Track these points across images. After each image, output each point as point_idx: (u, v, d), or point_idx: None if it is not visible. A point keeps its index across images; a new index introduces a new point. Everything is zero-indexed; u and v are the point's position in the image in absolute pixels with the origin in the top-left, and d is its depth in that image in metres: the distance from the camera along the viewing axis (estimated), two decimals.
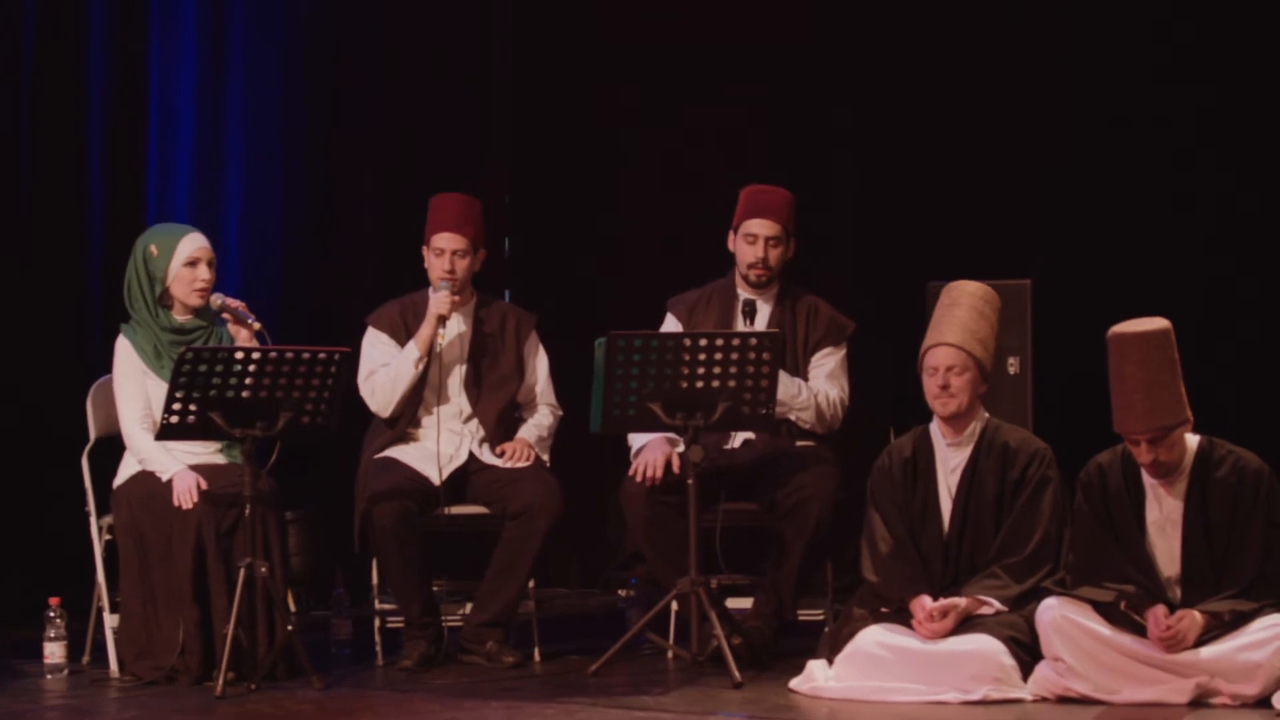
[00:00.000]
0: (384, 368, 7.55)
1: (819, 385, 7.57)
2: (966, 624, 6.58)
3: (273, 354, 6.94)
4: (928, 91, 9.10)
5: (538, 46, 9.74)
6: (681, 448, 7.26)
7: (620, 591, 9.13)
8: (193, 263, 7.27)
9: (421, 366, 7.52)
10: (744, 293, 7.63)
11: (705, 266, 7.80)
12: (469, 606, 7.58)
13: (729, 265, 7.69)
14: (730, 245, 7.65)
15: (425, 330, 7.51)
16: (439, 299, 7.49)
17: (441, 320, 7.49)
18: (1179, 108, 8.75)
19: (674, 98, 9.44)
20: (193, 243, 7.30)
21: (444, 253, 7.56)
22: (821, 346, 7.63)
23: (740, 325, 7.52)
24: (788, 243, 7.60)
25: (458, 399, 7.61)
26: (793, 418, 7.49)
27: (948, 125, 9.06)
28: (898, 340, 8.39)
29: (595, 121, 9.58)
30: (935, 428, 6.86)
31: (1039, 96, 9.00)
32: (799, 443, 7.55)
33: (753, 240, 7.57)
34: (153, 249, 7.28)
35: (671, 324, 7.70)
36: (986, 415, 6.85)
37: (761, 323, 7.59)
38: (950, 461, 6.81)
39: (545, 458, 7.64)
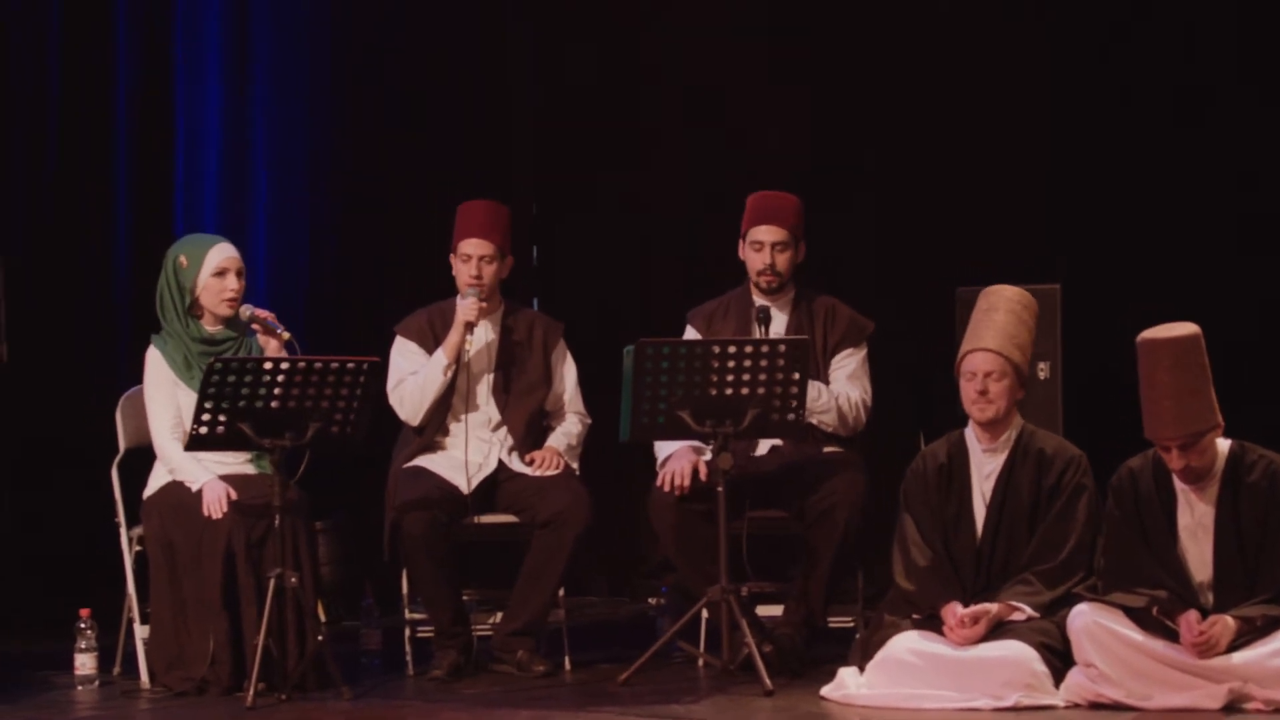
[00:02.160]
0: (412, 376, 7.56)
1: (840, 387, 7.56)
2: (998, 630, 6.57)
3: (301, 364, 6.96)
4: (953, 95, 9.10)
5: (561, 53, 9.75)
6: (708, 455, 7.28)
7: (650, 600, 9.17)
8: (221, 272, 7.30)
9: (450, 374, 7.52)
10: (758, 299, 7.64)
11: (733, 273, 7.80)
12: (499, 615, 7.59)
13: (745, 272, 7.70)
14: (740, 254, 7.67)
15: (453, 337, 7.51)
16: (466, 306, 7.51)
17: (469, 327, 7.48)
18: (1213, 110, 8.76)
19: (699, 104, 9.46)
20: (221, 252, 7.33)
21: (471, 259, 7.57)
22: (841, 348, 7.63)
23: (756, 333, 7.51)
24: (796, 247, 7.61)
25: (486, 407, 7.62)
26: (814, 421, 7.47)
27: (974, 129, 9.06)
28: (926, 346, 8.41)
29: (621, 127, 9.58)
30: (970, 433, 6.85)
31: (1068, 100, 9.00)
32: (826, 448, 7.55)
33: (759, 247, 7.59)
34: (182, 259, 7.31)
35: (691, 335, 7.68)
36: (1022, 421, 6.84)
37: (778, 329, 7.59)
38: (985, 467, 6.81)
39: (574, 466, 7.64)
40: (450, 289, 7.67)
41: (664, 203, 9.55)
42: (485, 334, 7.65)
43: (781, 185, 7.73)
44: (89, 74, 8.81)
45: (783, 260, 7.60)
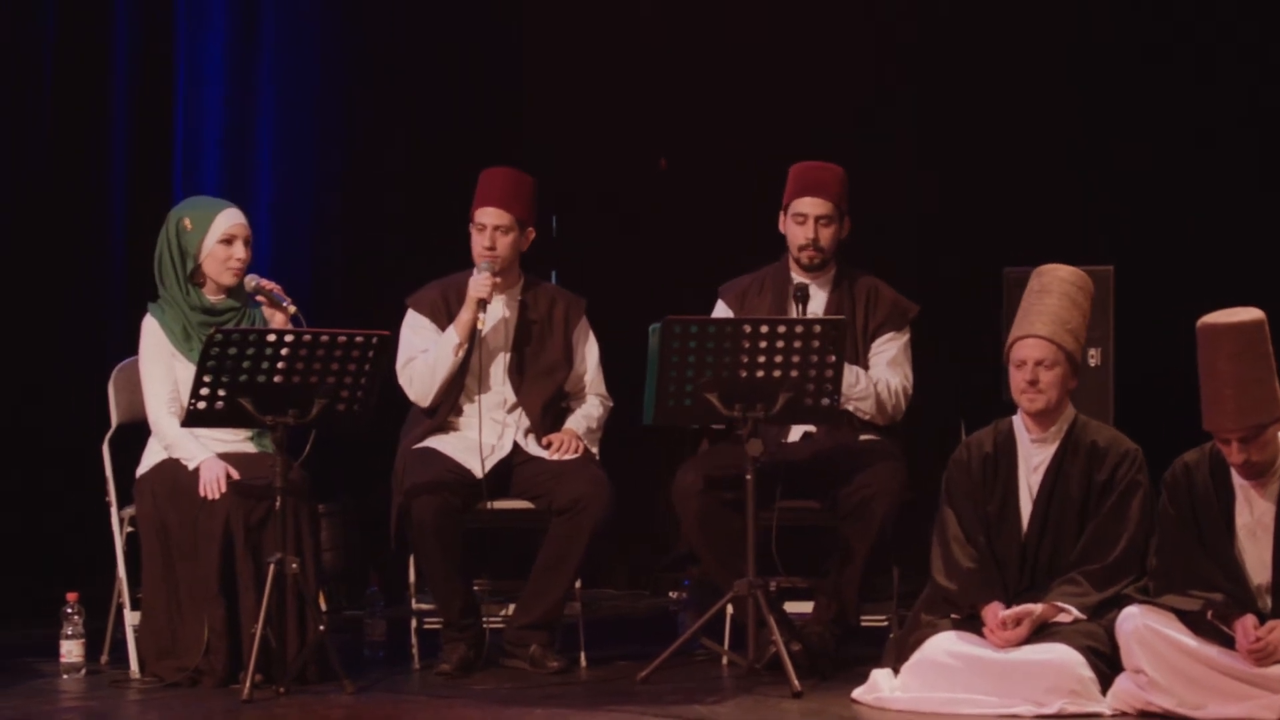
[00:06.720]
0: (423, 354, 7.57)
1: (879, 373, 7.59)
2: (1042, 632, 6.58)
3: (307, 337, 6.96)
4: (999, 71, 9.10)
5: (585, 11, 9.74)
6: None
7: (672, 593, 9.19)
8: (229, 240, 7.30)
9: (461, 354, 7.53)
10: (797, 276, 7.66)
11: (764, 247, 7.82)
12: (511, 607, 7.60)
13: (785, 246, 7.71)
14: (781, 227, 7.68)
15: (465, 314, 7.52)
16: (478, 281, 7.50)
17: (481, 304, 7.49)
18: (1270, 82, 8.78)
19: (730, 71, 9.46)
20: (230, 219, 7.33)
21: (485, 229, 7.57)
22: (883, 332, 7.66)
23: (793, 312, 7.53)
24: (841, 221, 7.63)
25: (501, 387, 7.63)
26: (851, 408, 7.49)
27: (1021, 104, 9.06)
28: (971, 328, 8.43)
29: (647, 94, 9.57)
30: (1019, 422, 6.84)
31: (1115, 74, 9.01)
32: (863, 436, 7.57)
33: (802, 220, 7.60)
34: (186, 222, 7.31)
35: (722, 312, 7.71)
36: (1074, 412, 6.83)
37: (817, 308, 7.61)
38: (1033, 459, 6.80)
39: (594, 450, 7.64)
40: (467, 260, 7.66)
41: (695, 170, 9.53)
42: (501, 310, 7.66)
43: (819, 153, 7.74)
44: (85, 23, 8.79)
45: (826, 235, 7.62)
